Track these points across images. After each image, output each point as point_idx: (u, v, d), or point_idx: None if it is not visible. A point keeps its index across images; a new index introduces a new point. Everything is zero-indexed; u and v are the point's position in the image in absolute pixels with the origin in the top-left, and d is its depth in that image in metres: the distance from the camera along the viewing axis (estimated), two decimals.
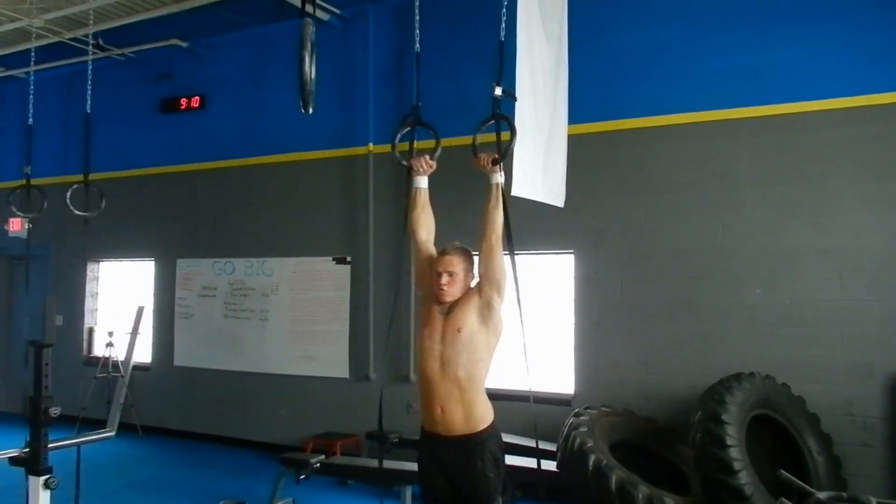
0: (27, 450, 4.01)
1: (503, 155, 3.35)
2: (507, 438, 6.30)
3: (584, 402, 6.04)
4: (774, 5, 6.05)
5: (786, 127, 5.96)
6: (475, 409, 3.31)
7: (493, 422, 3.37)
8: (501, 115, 3.34)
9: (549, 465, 5.37)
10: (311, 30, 3.42)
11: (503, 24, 3.73)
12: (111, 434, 4.69)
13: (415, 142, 4.15)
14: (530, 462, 5.74)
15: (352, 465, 6.36)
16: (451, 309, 3.36)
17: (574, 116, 6.22)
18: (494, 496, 3.28)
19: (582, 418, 5.39)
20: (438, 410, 3.31)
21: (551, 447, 5.58)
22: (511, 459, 5.84)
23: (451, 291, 3.35)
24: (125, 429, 8.59)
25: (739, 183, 6.11)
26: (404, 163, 3.65)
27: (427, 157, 3.59)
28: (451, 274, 3.33)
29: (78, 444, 4.55)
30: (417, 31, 3.91)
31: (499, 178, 3.32)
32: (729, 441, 4.74)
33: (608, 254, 6.58)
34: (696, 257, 6.22)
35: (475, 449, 3.30)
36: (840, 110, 5.79)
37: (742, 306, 6.02)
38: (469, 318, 3.31)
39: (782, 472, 4.01)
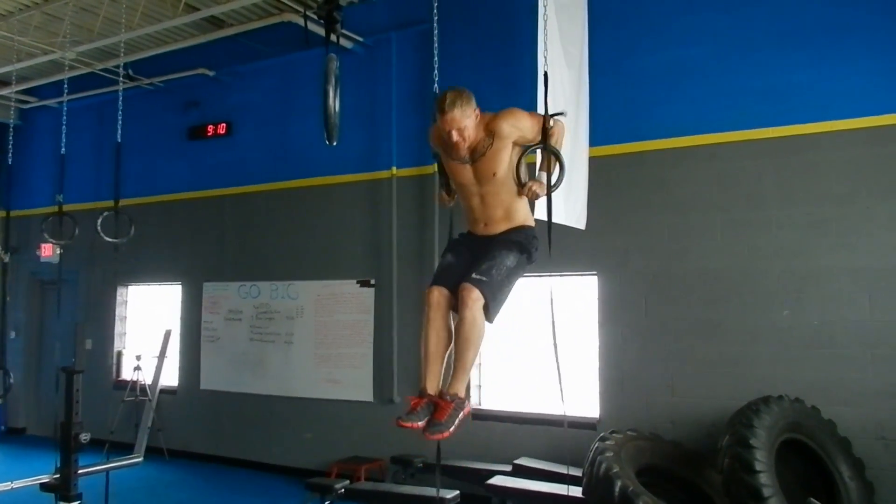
0: (57, 476, 4.07)
1: (552, 189, 3.50)
2: (533, 463, 6.31)
3: (609, 426, 5.99)
4: (797, 26, 6.02)
5: (811, 147, 5.91)
6: (517, 216, 3.54)
7: (533, 226, 3.60)
8: (552, 150, 3.46)
9: (575, 491, 5.32)
10: (335, 65, 3.48)
11: (544, 59, 3.82)
12: (139, 460, 4.75)
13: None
14: (556, 488, 5.71)
15: (376, 490, 6.35)
16: (475, 158, 3.46)
17: (597, 138, 6.26)
18: (515, 249, 3.46)
19: (608, 443, 5.33)
20: (482, 225, 3.56)
21: (577, 472, 5.52)
22: (536, 485, 5.85)
23: (467, 141, 3.43)
24: (152, 452, 8.70)
25: (765, 203, 6.06)
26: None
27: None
28: (459, 130, 3.40)
29: (107, 470, 4.61)
30: (437, 86, 3.96)
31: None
32: (758, 466, 4.66)
33: (632, 275, 6.54)
34: (722, 278, 6.16)
35: (512, 231, 3.52)
36: (866, 129, 5.73)
37: (770, 327, 5.94)
38: (501, 162, 3.43)
39: (812, 500, 3.94)
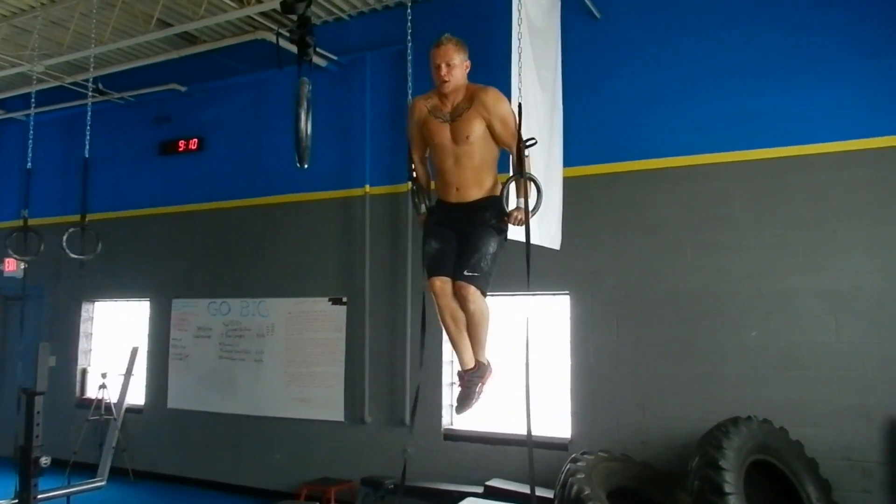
0: (16, 501, 3.95)
1: (532, 214, 3.64)
2: (505, 485, 6.27)
3: (581, 447, 5.99)
4: (766, 54, 6.15)
5: (781, 170, 6.02)
6: (486, 185, 3.73)
7: (500, 195, 3.73)
8: (529, 177, 3.61)
9: None
10: (307, 88, 3.48)
11: (519, 87, 3.91)
12: (102, 484, 4.64)
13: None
14: None
15: None
16: (454, 117, 3.68)
17: (571, 159, 6.31)
18: (494, 233, 3.68)
19: (579, 464, 5.32)
20: (454, 190, 3.74)
21: (548, 493, 5.50)
22: None
23: (452, 80, 3.64)
24: (117, 473, 8.48)
25: (735, 225, 6.15)
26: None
27: None
28: (448, 64, 3.61)
29: (68, 495, 4.49)
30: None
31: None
32: (727, 488, 4.69)
33: (604, 295, 6.58)
34: (692, 299, 6.22)
35: (485, 205, 3.71)
36: (834, 154, 5.86)
37: (739, 348, 6.01)
38: (475, 128, 3.64)
39: None
